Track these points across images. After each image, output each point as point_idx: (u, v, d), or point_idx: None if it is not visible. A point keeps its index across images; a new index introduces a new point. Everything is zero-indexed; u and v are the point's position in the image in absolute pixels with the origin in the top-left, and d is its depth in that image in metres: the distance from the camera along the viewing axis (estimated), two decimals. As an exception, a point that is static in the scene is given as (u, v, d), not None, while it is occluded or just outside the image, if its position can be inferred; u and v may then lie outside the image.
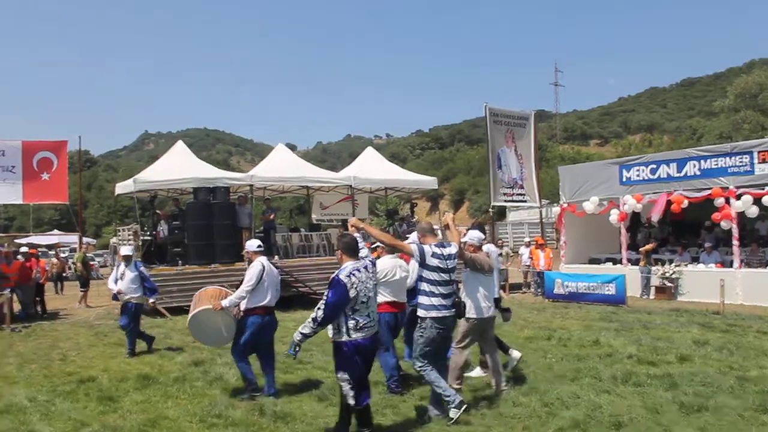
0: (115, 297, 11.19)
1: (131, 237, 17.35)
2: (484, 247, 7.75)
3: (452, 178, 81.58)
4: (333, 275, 5.59)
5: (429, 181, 22.51)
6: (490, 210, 23.64)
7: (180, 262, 16.79)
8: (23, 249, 17.89)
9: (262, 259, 7.71)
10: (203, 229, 16.86)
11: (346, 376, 5.56)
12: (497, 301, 7.92)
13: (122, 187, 18.71)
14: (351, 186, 19.75)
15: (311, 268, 17.87)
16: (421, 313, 6.51)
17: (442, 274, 6.44)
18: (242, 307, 7.55)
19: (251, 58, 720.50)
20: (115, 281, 10.96)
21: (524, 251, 20.82)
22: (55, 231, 52.61)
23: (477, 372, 8.35)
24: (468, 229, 8.03)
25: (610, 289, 15.91)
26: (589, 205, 18.84)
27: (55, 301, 19.91)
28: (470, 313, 6.96)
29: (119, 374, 8.98)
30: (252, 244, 7.99)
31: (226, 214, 17.08)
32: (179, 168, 18.14)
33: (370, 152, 23.18)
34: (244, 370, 7.59)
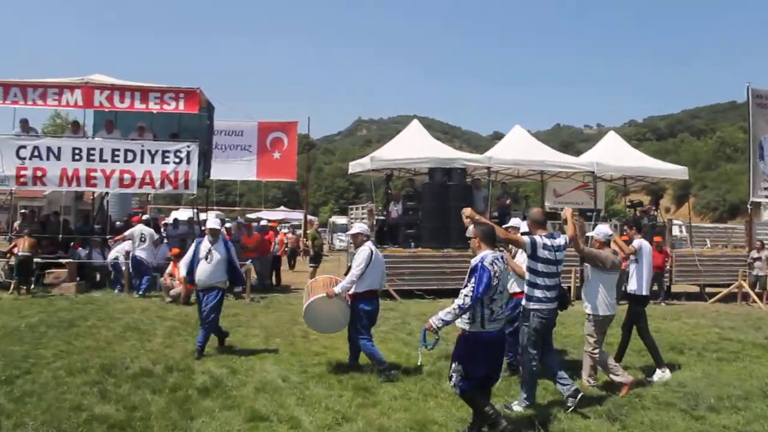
0: (192, 281, 8.93)
1: (365, 216, 17.10)
2: (635, 242, 8.30)
3: (675, 171, 75.42)
4: (475, 262, 5.42)
5: (679, 171, 20.14)
6: (748, 206, 20.68)
7: (413, 244, 16.23)
8: (263, 222, 18.35)
9: (370, 244, 7.95)
10: (438, 211, 16.17)
11: (460, 368, 5.44)
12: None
13: (357, 165, 18.57)
14: (593, 173, 18.05)
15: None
16: (524, 303, 6.53)
17: (550, 266, 6.39)
18: (350, 291, 7.72)
19: (461, 50, 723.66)
20: (193, 263, 8.84)
21: None
22: (282, 207, 55.56)
23: (658, 374, 7.96)
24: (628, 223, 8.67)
25: None
26: None
27: (285, 275, 20.34)
28: (587, 309, 7.28)
29: (366, 361, 8.35)
30: (359, 228, 8.25)
31: (462, 197, 16.22)
32: (415, 147, 17.60)
33: (612, 137, 21.20)
34: (373, 351, 7.70)
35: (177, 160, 16.23)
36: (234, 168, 24.62)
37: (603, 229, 7.53)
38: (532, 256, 6.35)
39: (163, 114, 17.07)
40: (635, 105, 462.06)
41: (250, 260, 15.83)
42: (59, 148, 16.19)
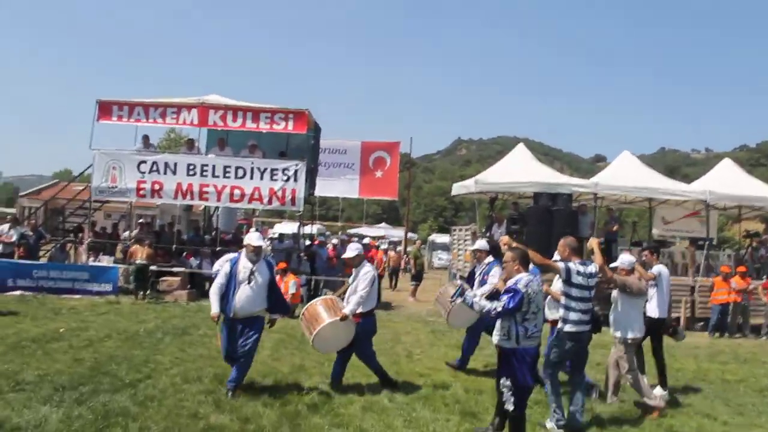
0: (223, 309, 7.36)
1: (468, 237, 17.06)
2: (654, 269, 8.82)
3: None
4: (510, 284, 5.91)
5: (798, 201, 18.95)
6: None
7: (515, 268, 16.00)
8: (365, 240, 18.58)
9: (370, 265, 8.12)
10: (542, 236, 15.86)
11: (508, 383, 5.86)
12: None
13: (461, 188, 18.57)
14: (705, 201, 17.27)
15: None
16: (560, 325, 6.88)
17: (584, 291, 6.72)
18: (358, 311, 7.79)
19: (562, 69, 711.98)
20: (229, 288, 7.34)
21: None
22: (383, 224, 56.02)
23: (658, 390, 8.27)
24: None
25: None
26: None
27: (386, 294, 20.49)
28: (618, 334, 7.63)
29: (473, 384, 8.31)
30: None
31: (568, 222, 15.92)
32: (520, 171, 17.44)
33: (727, 164, 20.24)
34: (379, 366, 8.09)
35: (285, 177, 16.78)
36: (337, 185, 25.05)
37: (627, 258, 7.93)
38: (567, 281, 6.68)
39: (273, 133, 17.67)
40: (747, 128, 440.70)
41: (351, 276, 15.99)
42: (175, 164, 17.10)
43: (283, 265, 15.04)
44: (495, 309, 5.79)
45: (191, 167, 17.05)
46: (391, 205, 72.05)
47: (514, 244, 6.53)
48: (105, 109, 17.63)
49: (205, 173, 17.01)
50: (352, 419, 6.59)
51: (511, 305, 5.73)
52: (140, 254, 15.72)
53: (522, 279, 5.87)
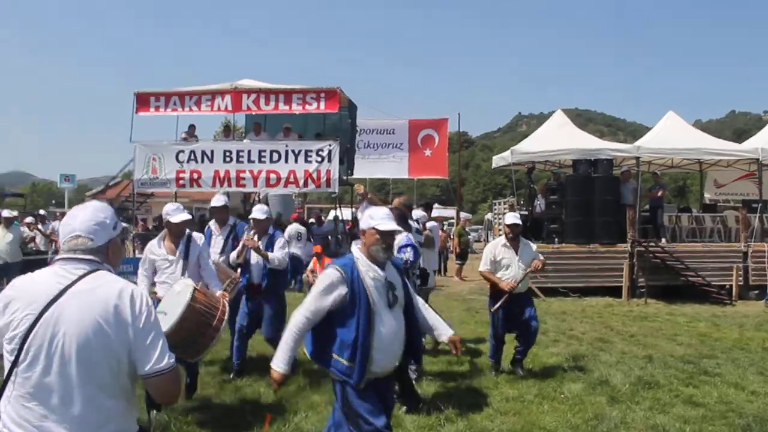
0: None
1: (506, 211, 16.61)
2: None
3: None
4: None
5: None
6: None
7: (556, 239, 15.57)
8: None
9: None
10: (583, 205, 15.37)
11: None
12: None
13: (500, 159, 18.14)
14: (758, 160, 16.28)
15: (705, 255, 15.26)
16: None
17: None
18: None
19: (623, 32, 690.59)
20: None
21: None
22: (436, 205, 55.62)
23: None
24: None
25: None
26: None
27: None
28: None
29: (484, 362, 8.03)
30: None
31: (609, 190, 15.34)
32: (558, 139, 16.85)
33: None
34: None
35: (319, 159, 16.63)
36: (386, 166, 24.96)
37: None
38: None
39: (311, 114, 17.57)
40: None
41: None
42: (212, 152, 17.16)
43: (318, 248, 14.96)
44: None
45: (227, 154, 17.07)
46: (450, 186, 71.50)
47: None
48: (143, 100, 17.81)
49: (241, 159, 16.98)
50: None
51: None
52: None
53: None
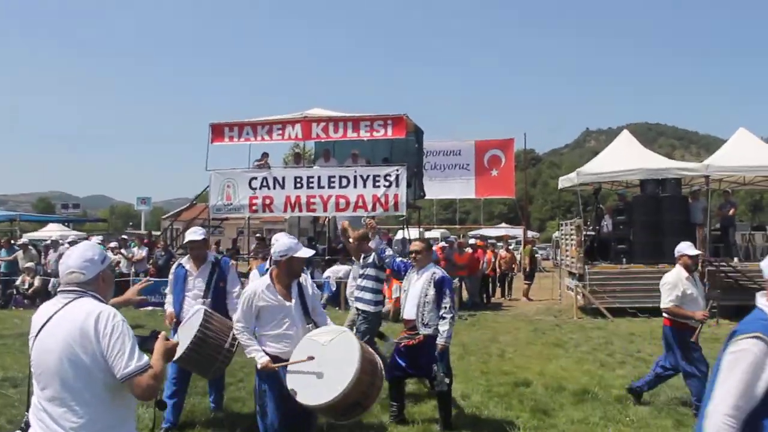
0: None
1: (573, 232, 16.65)
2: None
3: None
4: (439, 276, 6.36)
5: None
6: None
7: (624, 259, 15.54)
8: (471, 241, 18.61)
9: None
10: (651, 225, 15.34)
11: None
12: None
13: (566, 181, 18.20)
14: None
15: (781, 274, 14.89)
16: None
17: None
18: None
19: (692, 48, 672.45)
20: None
21: None
22: (503, 224, 55.36)
23: None
24: None
25: None
26: None
27: (500, 293, 20.34)
28: None
29: (556, 381, 8.20)
30: None
31: (678, 209, 15.27)
32: (624, 159, 16.80)
33: None
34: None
35: (387, 183, 17.06)
36: (453, 187, 25.22)
37: None
38: None
39: (378, 140, 18.07)
40: None
41: (458, 278, 16.11)
42: (283, 178, 17.83)
43: (388, 271, 15.29)
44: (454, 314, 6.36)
45: (298, 180, 17.71)
46: (517, 205, 70.98)
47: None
48: (217, 131, 18.72)
49: (311, 185, 17.60)
50: (424, 416, 6.74)
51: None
52: (255, 266, 16.52)
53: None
